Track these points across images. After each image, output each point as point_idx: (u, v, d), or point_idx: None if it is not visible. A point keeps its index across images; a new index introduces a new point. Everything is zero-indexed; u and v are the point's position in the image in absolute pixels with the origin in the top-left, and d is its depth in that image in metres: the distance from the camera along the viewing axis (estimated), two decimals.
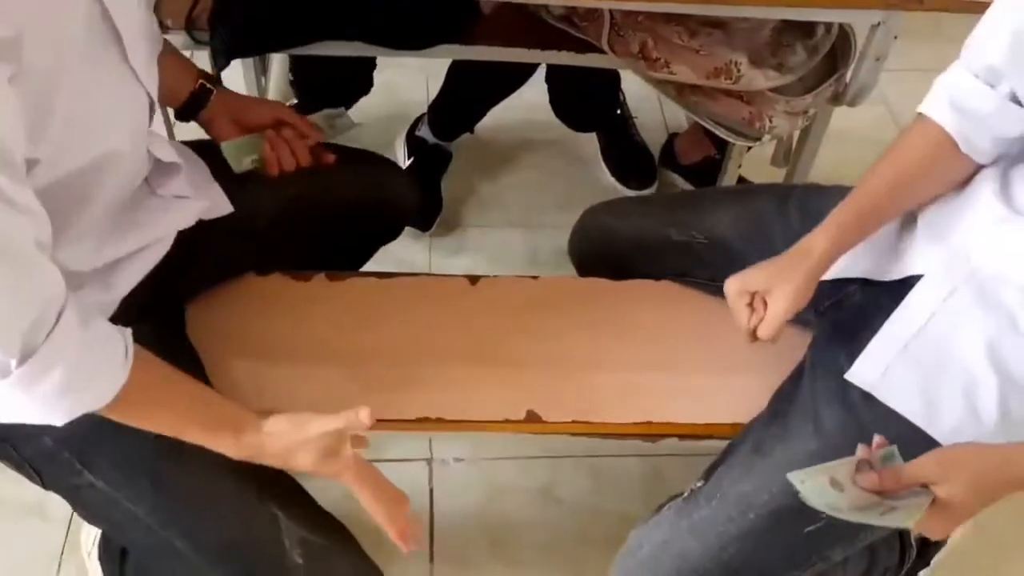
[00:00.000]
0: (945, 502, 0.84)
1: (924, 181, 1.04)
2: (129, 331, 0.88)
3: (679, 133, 2.06)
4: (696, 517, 1.04)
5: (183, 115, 1.20)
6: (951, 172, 1.04)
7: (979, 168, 1.03)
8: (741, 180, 1.86)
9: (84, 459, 0.97)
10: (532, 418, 1.14)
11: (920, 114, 1.03)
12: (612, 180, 2.05)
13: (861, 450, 0.88)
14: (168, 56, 1.15)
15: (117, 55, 0.87)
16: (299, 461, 0.94)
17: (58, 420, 0.82)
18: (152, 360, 0.90)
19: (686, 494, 1.08)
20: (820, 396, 1.04)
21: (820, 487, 0.86)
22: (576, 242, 1.37)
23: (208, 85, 1.19)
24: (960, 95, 1.00)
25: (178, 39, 1.37)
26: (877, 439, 0.88)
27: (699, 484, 1.07)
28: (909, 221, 1.09)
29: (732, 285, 1.04)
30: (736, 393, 1.15)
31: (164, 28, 1.38)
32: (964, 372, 0.96)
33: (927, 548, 1.39)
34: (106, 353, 0.84)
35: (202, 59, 1.41)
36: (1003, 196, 1.00)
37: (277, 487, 1.05)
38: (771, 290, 1.02)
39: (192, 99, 1.18)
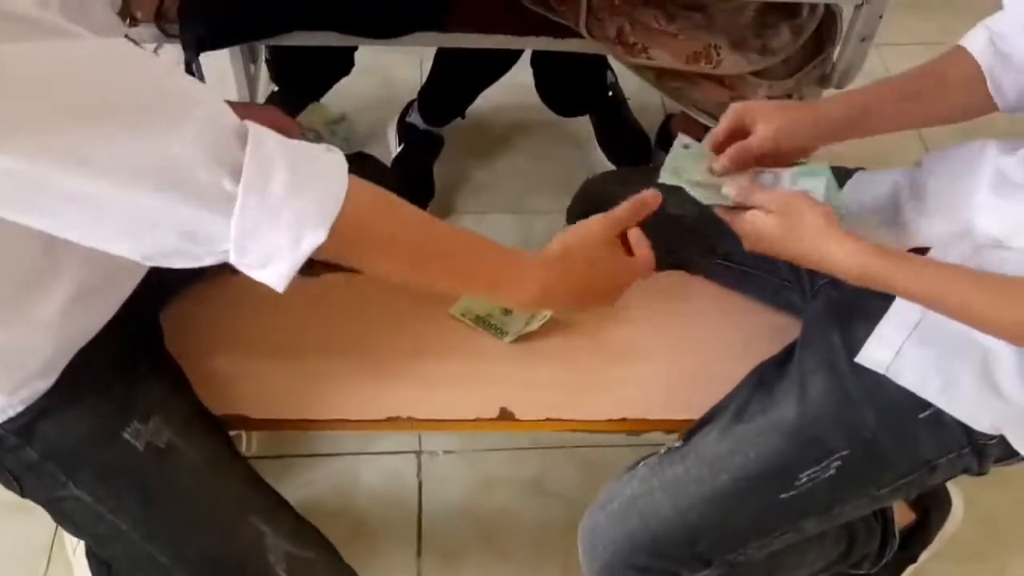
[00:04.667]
0: (756, 226, 0.94)
1: (942, 92, 1.03)
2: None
3: (675, 114, 2.02)
4: (668, 475, 1.03)
5: None
6: (971, 100, 1.03)
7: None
8: None
9: (69, 471, 0.96)
10: (505, 416, 1.12)
11: (958, 46, 1.03)
12: (607, 163, 2.02)
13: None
14: None
15: None
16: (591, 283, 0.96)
17: (313, 236, 0.75)
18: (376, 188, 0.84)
19: (662, 451, 1.07)
20: (807, 367, 1.04)
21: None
22: (576, 208, 1.35)
23: None
24: (999, 33, 1.00)
25: (148, 32, 1.36)
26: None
27: (677, 444, 1.07)
28: (906, 196, 1.07)
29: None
30: (716, 385, 1.12)
31: (134, 21, 1.36)
32: (978, 348, 0.94)
33: (913, 542, 1.36)
34: (318, 151, 0.79)
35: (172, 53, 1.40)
36: (1000, 176, 0.98)
37: (262, 500, 1.05)
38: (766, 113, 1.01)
39: None
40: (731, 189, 0.97)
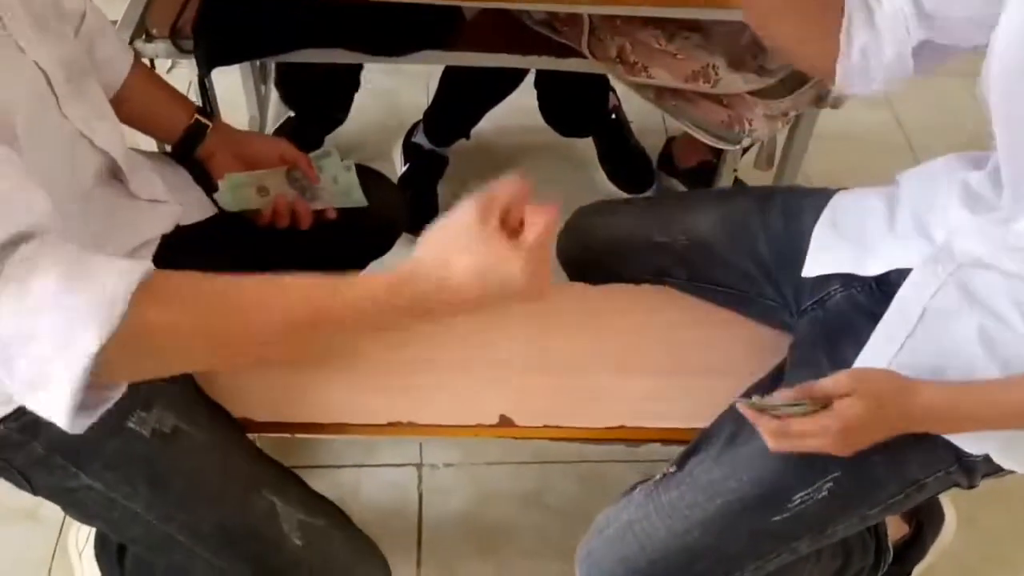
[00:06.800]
0: (845, 417, 0.87)
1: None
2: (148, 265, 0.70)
3: (676, 137, 2.05)
4: (664, 499, 1.04)
5: (180, 153, 1.19)
6: (819, 29, 0.99)
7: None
8: (737, 183, 1.85)
9: (78, 462, 0.98)
10: (505, 423, 1.14)
11: None
12: (609, 185, 2.05)
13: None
14: (159, 92, 1.17)
15: None
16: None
17: (84, 341, 0.65)
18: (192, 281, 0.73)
19: (657, 477, 1.08)
20: None
21: None
22: (563, 242, 1.38)
23: (203, 120, 1.18)
24: None
25: (163, 47, 1.40)
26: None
27: (672, 469, 1.08)
28: (885, 216, 1.09)
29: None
30: (713, 396, 1.13)
31: (150, 37, 1.40)
32: (964, 367, 0.95)
33: (908, 555, 1.37)
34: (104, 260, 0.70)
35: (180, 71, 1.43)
36: (968, 190, 1.00)
37: (270, 475, 1.07)
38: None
39: (187, 136, 1.17)
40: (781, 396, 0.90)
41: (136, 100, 1.14)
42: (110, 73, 1.12)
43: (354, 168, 1.24)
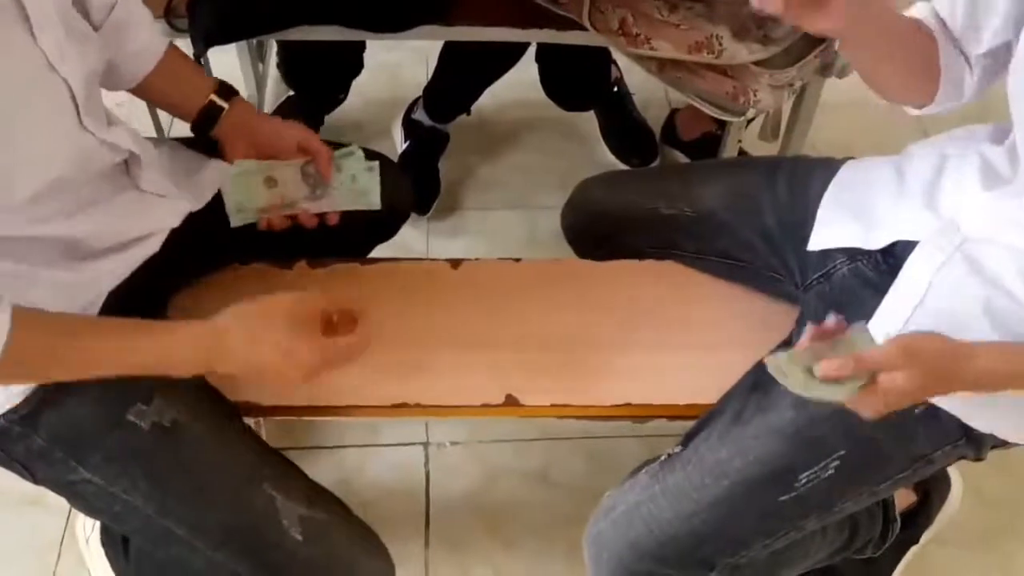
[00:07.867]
0: (896, 385, 0.83)
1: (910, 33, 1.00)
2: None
3: (679, 109, 2.03)
4: (670, 481, 1.04)
5: (197, 133, 1.15)
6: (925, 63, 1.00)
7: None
8: (742, 154, 1.83)
9: (77, 456, 0.98)
10: (511, 402, 1.13)
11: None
12: (612, 159, 2.03)
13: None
14: (180, 68, 1.14)
15: (23, 33, 0.84)
16: (264, 352, 0.91)
17: None
18: (47, 317, 0.87)
19: (663, 458, 1.08)
20: None
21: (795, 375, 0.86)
22: (568, 215, 1.37)
23: (219, 102, 1.13)
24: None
25: (157, 26, 1.37)
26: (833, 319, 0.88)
27: (677, 449, 1.07)
28: (893, 187, 1.07)
29: None
30: (719, 371, 1.13)
31: None
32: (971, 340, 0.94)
33: (915, 524, 1.37)
34: None
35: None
36: (987, 166, 0.99)
37: (271, 468, 1.06)
38: None
39: (202, 116, 1.14)
40: (824, 368, 0.84)
41: (158, 80, 1.11)
42: (140, 64, 1.10)
43: (377, 169, 1.19)
